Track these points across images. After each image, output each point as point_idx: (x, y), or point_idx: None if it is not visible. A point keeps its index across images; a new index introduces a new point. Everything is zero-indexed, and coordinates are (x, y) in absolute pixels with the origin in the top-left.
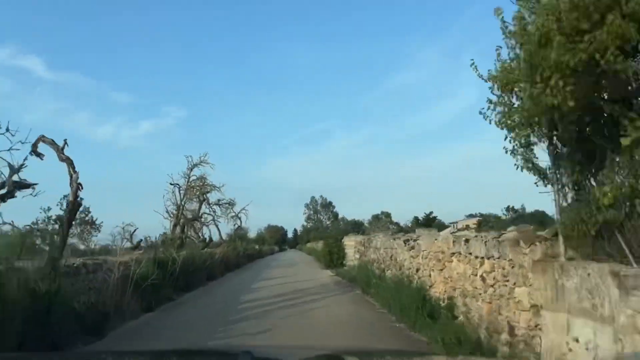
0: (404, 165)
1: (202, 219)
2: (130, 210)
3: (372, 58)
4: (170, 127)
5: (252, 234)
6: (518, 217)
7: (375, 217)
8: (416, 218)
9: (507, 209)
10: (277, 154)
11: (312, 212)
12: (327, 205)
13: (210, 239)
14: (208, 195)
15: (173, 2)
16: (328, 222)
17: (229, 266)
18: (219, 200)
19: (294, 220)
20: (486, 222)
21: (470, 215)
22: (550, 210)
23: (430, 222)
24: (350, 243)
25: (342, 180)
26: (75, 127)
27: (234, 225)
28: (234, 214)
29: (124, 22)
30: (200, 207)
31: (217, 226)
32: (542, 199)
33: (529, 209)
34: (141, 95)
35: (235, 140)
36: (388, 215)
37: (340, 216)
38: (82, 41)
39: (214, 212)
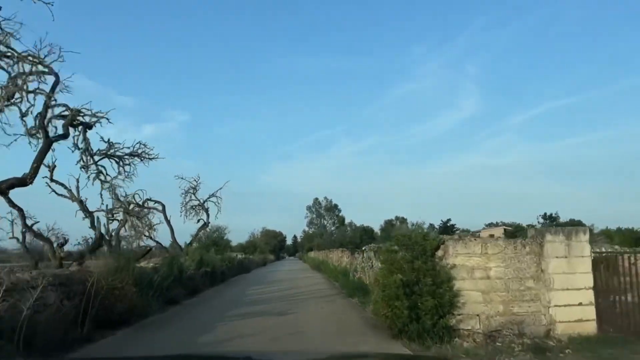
0: (411, 173)
1: (145, 207)
2: None
3: (377, 68)
4: (173, 131)
5: (240, 238)
6: (556, 225)
7: (389, 223)
8: (432, 225)
9: (544, 216)
10: (280, 160)
11: (314, 215)
12: (332, 209)
13: (99, 243)
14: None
15: (181, 8)
16: (333, 228)
17: (101, 321)
18: (109, 142)
19: (295, 228)
20: (521, 231)
21: (490, 224)
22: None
23: (448, 230)
24: (490, 266)
25: (346, 187)
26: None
27: (198, 221)
28: (196, 201)
29: (130, 26)
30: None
31: (167, 221)
32: (575, 207)
33: (563, 217)
34: (145, 99)
35: (237, 147)
36: (404, 220)
37: (347, 221)
38: (86, 44)
39: (104, 175)
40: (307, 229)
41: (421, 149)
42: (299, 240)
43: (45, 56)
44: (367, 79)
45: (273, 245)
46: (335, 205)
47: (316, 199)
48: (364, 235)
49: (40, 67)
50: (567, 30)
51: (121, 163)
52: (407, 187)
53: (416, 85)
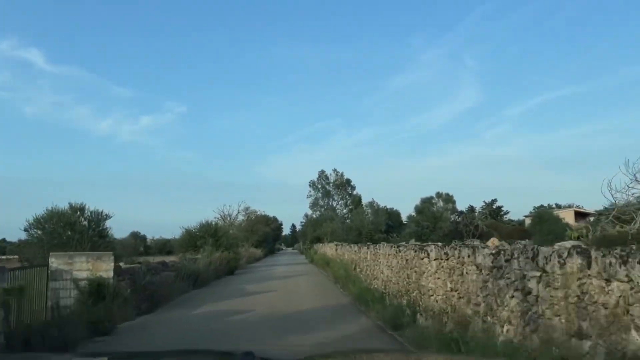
0: (416, 163)
1: None
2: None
3: (375, 58)
4: (170, 123)
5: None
6: None
7: (428, 201)
8: (471, 207)
9: None
10: (279, 152)
11: (320, 194)
12: (344, 185)
13: None
14: None
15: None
16: (345, 210)
17: None
18: None
19: (292, 220)
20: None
21: (541, 207)
22: None
23: (496, 214)
24: None
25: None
26: (76, 121)
27: None
28: None
29: (127, 17)
30: None
31: None
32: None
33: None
34: (142, 90)
35: (235, 138)
36: (449, 198)
37: (368, 201)
38: (83, 35)
39: None
40: (310, 212)
41: (419, 139)
42: (297, 229)
43: None
44: (364, 70)
45: (264, 235)
46: (348, 181)
47: (322, 171)
48: (391, 220)
49: None
50: (567, 18)
51: None
52: (410, 178)
53: (415, 75)
